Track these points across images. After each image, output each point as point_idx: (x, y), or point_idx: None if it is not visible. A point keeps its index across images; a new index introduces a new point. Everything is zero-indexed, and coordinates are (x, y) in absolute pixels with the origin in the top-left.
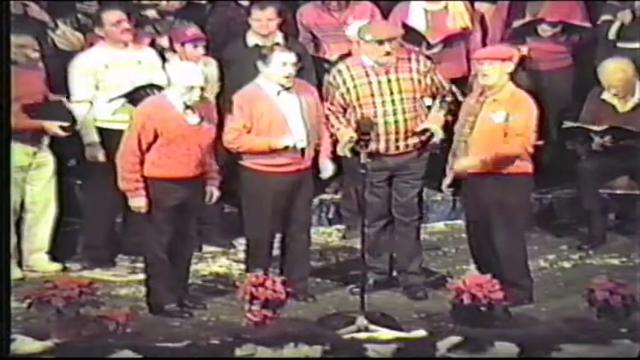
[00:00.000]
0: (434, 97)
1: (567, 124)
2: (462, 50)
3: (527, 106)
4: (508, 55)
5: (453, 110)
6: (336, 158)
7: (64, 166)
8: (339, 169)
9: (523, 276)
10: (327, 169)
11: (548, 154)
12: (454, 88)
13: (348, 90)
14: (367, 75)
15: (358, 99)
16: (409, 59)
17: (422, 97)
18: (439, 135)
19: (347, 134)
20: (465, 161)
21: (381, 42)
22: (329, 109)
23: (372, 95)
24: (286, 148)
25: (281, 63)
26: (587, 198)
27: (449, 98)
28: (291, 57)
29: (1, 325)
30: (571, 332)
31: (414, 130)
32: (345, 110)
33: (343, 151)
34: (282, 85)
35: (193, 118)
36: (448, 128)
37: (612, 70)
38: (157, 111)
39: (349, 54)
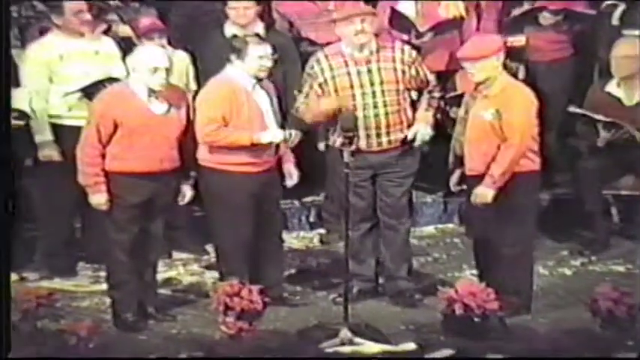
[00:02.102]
0: (418, 91)
1: (572, 109)
2: (456, 40)
3: (520, 102)
4: (490, 50)
5: (441, 107)
6: (317, 161)
7: (19, 167)
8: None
9: (525, 281)
10: (291, 176)
11: (548, 152)
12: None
13: (325, 80)
14: (346, 65)
15: (336, 90)
16: (393, 48)
17: (406, 89)
18: (427, 135)
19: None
20: (480, 192)
21: (351, 21)
22: (302, 102)
23: (352, 87)
24: (269, 144)
25: (257, 56)
26: (589, 199)
27: (436, 93)
28: (267, 49)
29: (1, 326)
30: (572, 345)
31: (397, 125)
32: None
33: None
34: (257, 78)
35: (159, 107)
36: (439, 126)
37: (628, 45)
38: (117, 99)
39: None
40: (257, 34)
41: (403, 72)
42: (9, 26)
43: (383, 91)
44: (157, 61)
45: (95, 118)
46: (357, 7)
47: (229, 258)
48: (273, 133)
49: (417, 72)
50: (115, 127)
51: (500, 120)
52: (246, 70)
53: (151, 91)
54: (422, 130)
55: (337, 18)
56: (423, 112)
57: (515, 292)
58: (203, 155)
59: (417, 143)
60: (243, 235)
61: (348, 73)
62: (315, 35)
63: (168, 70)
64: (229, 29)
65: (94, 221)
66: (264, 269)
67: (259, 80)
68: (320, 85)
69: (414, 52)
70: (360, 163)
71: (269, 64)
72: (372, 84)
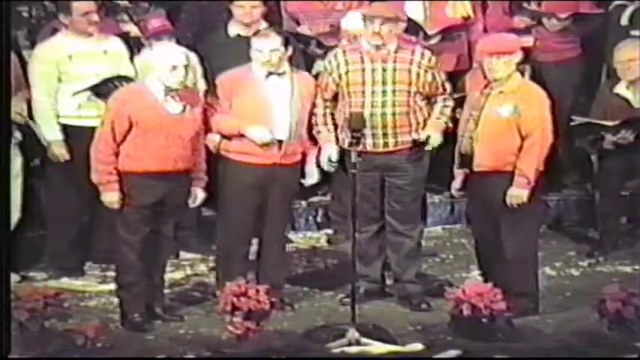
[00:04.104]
0: (430, 98)
1: (577, 119)
2: (463, 42)
3: (539, 99)
4: (515, 47)
5: (453, 116)
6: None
7: (27, 167)
8: (325, 174)
9: (531, 283)
10: (312, 175)
11: (555, 152)
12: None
13: (340, 75)
14: (362, 61)
15: (348, 85)
16: (413, 51)
17: (418, 93)
18: (437, 141)
19: (328, 145)
20: (516, 194)
21: (370, 20)
22: (321, 98)
23: (363, 83)
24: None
25: (257, 50)
26: (603, 201)
27: (450, 102)
28: (269, 44)
29: (1, 326)
30: (580, 346)
31: (405, 127)
32: (335, 100)
33: (326, 165)
34: (270, 71)
35: (174, 107)
36: (449, 134)
37: (632, 47)
38: (133, 98)
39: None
40: (269, 29)
41: (418, 75)
42: (9, 27)
43: (394, 91)
44: (176, 59)
45: (110, 117)
46: (380, 9)
47: (223, 255)
48: (260, 132)
49: (434, 78)
50: (130, 125)
51: (519, 116)
52: (255, 62)
53: (168, 91)
54: (433, 135)
55: (364, 14)
56: (435, 120)
57: (521, 294)
58: (223, 143)
59: (427, 147)
60: (240, 231)
61: (363, 70)
62: (321, 35)
63: (186, 68)
64: (233, 29)
65: (103, 221)
66: (264, 269)
67: (279, 73)
68: (334, 79)
69: (434, 59)
70: (366, 165)
71: (267, 58)
72: (384, 83)
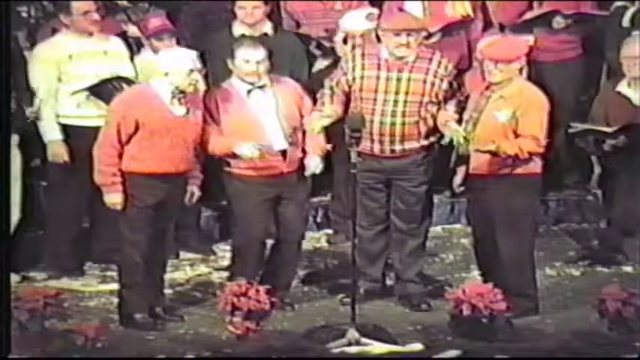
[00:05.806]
0: (441, 103)
1: (575, 126)
2: (463, 40)
3: (539, 104)
4: (518, 54)
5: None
6: (325, 159)
7: (27, 167)
8: (326, 169)
9: (528, 284)
10: (311, 165)
11: (555, 154)
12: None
13: (354, 79)
14: (379, 68)
15: (361, 91)
16: (430, 60)
17: (430, 102)
18: (461, 133)
19: (327, 112)
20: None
21: (397, 33)
22: (330, 87)
23: (376, 91)
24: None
25: (243, 60)
26: (605, 203)
27: (464, 104)
28: (255, 54)
29: (1, 326)
30: (580, 346)
31: (414, 135)
32: (347, 97)
33: (312, 124)
34: (252, 83)
35: (179, 110)
36: None
37: (638, 43)
38: (140, 100)
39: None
40: (255, 38)
41: (432, 84)
42: (9, 26)
43: (405, 102)
44: (193, 64)
45: (116, 118)
46: (407, 22)
47: (240, 259)
48: (247, 148)
49: (450, 85)
50: (137, 127)
51: (516, 123)
52: (236, 74)
53: (176, 93)
54: (455, 130)
55: (386, 29)
56: (453, 115)
57: (520, 295)
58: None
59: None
60: (255, 237)
61: (377, 77)
62: (321, 35)
63: (200, 71)
64: (237, 29)
65: (103, 221)
66: (275, 270)
67: (260, 86)
68: (347, 81)
69: (450, 66)
70: (372, 167)
71: (254, 68)
72: (396, 92)
